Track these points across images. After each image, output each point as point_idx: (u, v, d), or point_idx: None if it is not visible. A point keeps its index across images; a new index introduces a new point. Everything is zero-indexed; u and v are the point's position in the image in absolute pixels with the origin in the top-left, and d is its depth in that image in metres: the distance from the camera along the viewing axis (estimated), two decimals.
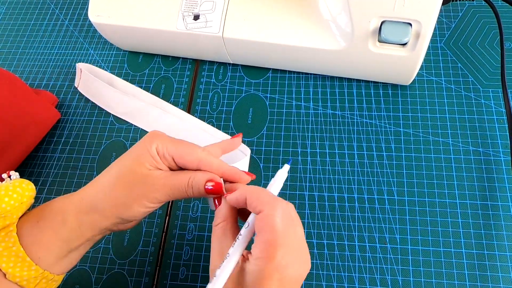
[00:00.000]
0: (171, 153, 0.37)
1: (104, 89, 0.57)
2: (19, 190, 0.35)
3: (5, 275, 0.33)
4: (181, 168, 0.38)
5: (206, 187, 0.36)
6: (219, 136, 0.53)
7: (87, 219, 0.36)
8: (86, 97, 0.59)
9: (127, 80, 0.59)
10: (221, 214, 0.36)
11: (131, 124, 0.56)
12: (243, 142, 0.53)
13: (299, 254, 0.33)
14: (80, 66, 0.59)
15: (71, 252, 0.36)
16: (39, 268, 0.34)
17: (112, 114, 0.57)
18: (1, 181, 0.36)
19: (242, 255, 0.33)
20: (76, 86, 0.60)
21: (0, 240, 0.33)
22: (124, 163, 0.37)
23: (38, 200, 0.52)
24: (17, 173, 0.37)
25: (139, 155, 0.36)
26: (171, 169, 0.38)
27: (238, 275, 0.33)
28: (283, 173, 0.37)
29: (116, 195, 0.36)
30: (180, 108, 0.56)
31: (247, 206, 0.34)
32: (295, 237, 0.33)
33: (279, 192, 0.36)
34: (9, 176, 0.37)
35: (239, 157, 0.49)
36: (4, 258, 0.33)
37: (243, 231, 0.34)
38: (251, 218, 0.34)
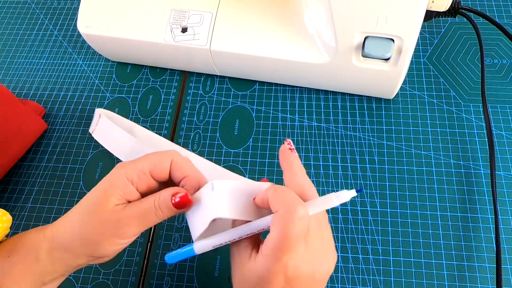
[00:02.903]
0: (145, 168, 0.35)
1: (124, 138, 0.53)
2: None
3: None
4: (160, 184, 0.37)
5: (173, 202, 0.34)
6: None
7: (59, 257, 0.35)
8: (73, 107, 0.59)
9: (114, 91, 0.60)
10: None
11: None
12: (229, 153, 0.54)
13: (318, 256, 0.32)
14: (99, 111, 0.56)
15: (45, 285, 0.36)
16: None
17: None
18: None
19: (257, 247, 0.33)
20: (91, 132, 0.56)
21: None
22: (91, 199, 0.35)
23: (24, 209, 0.52)
24: None
25: (106, 189, 0.35)
26: (144, 194, 0.36)
27: (247, 264, 0.32)
28: (342, 197, 0.32)
29: (85, 234, 0.34)
30: (167, 119, 0.57)
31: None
32: (315, 240, 0.32)
33: None
34: None
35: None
36: None
37: (257, 220, 0.33)
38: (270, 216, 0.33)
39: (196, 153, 0.54)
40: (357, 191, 0.32)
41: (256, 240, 0.35)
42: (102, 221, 0.34)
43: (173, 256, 0.36)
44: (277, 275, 0.31)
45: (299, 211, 0.31)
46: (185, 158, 0.38)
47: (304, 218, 0.31)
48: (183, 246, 0.35)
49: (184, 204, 0.35)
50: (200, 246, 0.34)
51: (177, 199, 0.34)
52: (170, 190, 0.35)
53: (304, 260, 0.31)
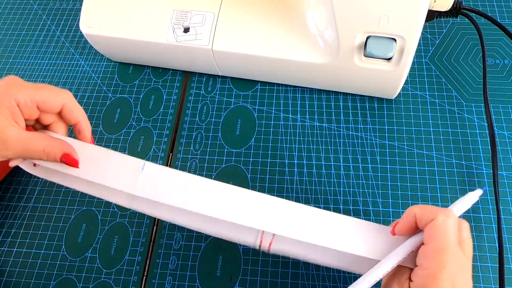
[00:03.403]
0: (35, 99, 0.36)
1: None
2: None
3: None
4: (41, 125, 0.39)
5: (61, 159, 0.37)
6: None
7: None
8: None
9: (116, 91, 0.60)
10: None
11: (120, 134, 0.57)
12: (231, 153, 0.54)
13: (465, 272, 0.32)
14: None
15: None
16: None
17: (101, 127, 0.57)
18: None
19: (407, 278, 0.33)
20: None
21: None
22: None
23: (26, 209, 0.53)
24: None
25: None
26: (28, 123, 0.37)
27: None
28: (473, 196, 0.36)
29: None
30: (169, 119, 0.57)
31: (417, 223, 0.33)
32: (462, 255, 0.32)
33: None
34: None
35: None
36: None
37: (406, 241, 0.33)
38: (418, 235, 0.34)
39: (198, 153, 0.54)
40: (482, 189, 0.36)
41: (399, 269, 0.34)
42: None
43: None
44: (444, 284, 0.30)
45: (455, 217, 0.32)
46: (78, 104, 0.40)
47: (456, 221, 0.32)
48: None
49: (71, 165, 0.38)
50: None
51: (65, 159, 0.38)
52: (62, 147, 0.38)
53: (460, 269, 0.31)
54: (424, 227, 0.32)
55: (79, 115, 0.41)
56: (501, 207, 0.46)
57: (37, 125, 0.41)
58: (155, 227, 0.50)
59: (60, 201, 0.53)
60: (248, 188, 0.50)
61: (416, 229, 0.34)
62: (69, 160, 0.38)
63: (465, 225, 0.34)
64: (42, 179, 0.54)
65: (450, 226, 0.31)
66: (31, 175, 0.54)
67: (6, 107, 0.34)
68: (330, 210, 0.48)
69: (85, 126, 0.41)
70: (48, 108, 0.37)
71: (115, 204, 0.51)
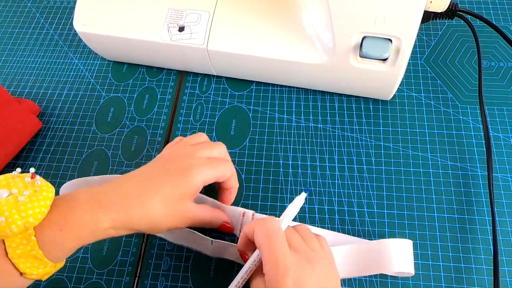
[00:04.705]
0: (212, 179, 0.42)
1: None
2: (42, 201, 0.34)
3: (21, 273, 0.34)
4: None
5: (220, 227, 0.45)
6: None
7: (116, 232, 0.39)
8: (69, 106, 0.59)
9: (110, 90, 0.59)
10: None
11: (114, 133, 0.56)
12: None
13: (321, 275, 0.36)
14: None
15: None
16: (53, 264, 0.36)
17: (94, 126, 0.57)
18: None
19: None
20: None
21: (18, 243, 0.33)
22: (169, 197, 0.39)
23: None
24: (39, 177, 0.36)
25: (186, 192, 0.40)
26: None
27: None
28: (299, 201, 0.41)
29: (156, 224, 0.40)
30: (163, 119, 0.56)
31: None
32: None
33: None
34: (33, 177, 0.35)
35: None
36: (22, 260, 0.34)
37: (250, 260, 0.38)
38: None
39: None
40: (305, 191, 0.41)
41: None
42: (175, 216, 0.40)
43: None
44: (282, 284, 0.33)
45: (262, 223, 0.37)
46: (234, 171, 0.46)
47: (279, 227, 0.37)
48: None
49: (226, 232, 0.46)
50: None
51: (223, 228, 0.45)
52: (224, 217, 0.45)
53: (306, 274, 0.35)
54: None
55: (235, 183, 0.47)
56: (495, 209, 0.46)
57: None
58: None
59: None
60: (243, 191, 0.50)
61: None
62: (226, 229, 0.45)
63: (300, 228, 0.40)
64: None
65: (263, 235, 0.36)
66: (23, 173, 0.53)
67: (195, 193, 0.42)
68: (324, 211, 0.48)
69: (235, 191, 0.48)
70: (223, 179, 0.44)
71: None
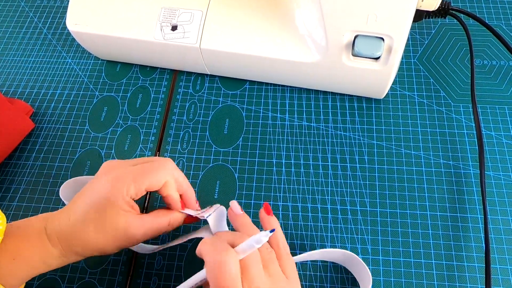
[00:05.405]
0: (141, 190, 0.39)
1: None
2: None
3: None
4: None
5: (184, 222, 0.43)
6: None
7: (68, 260, 0.39)
8: (62, 106, 0.59)
9: (103, 89, 0.59)
10: None
11: (107, 132, 0.56)
12: (219, 152, 0.53)
13: None
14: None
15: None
16: None
17: (88, 125, 0.57)
18: None
19: None
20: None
21: None
22: (102, 214, 0.38)
23: (10, 207, 0.52)
24: None
25: (113, 204, 0.38)
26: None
27: None
28: (258, 239, 0.34)
29: (99, 246, 0.38)
30: (157, 118, 0.56)
31: None
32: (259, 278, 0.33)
33: None
34: None
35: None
36: None
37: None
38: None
39: (185, 152, 0.54)
40: (270, 232, 0.34)
41: None
42: (119, 236, 0.38)
43: None
44: None
45: (224, 254, 0.32)
46: (180, 174, 0.42)
47: (233, 260, 0.32)
48: None
49: (191, 222, 0.44)
50: None
51: (187, 221, 0.43)
52: (183, 215, 0.43)
53: None
54: None
55: (181, 188, 0.42)
56: (487, 207, 0.46)
57: None
58: None
59: (45, 200, 0.52)
60: (236, 190, 0.50)
61: None
62: (190, 220, 0.43)
63: (262, 249, 0.35)
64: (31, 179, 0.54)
65: (212, 269, 0.32)
66: (16, 173, 0.53)
67: (125, 203, 0.38)
68: (318, 210, 0.49)
69: (189, 194, 0.44)
70: (153, 189, 0.40)
71: None
